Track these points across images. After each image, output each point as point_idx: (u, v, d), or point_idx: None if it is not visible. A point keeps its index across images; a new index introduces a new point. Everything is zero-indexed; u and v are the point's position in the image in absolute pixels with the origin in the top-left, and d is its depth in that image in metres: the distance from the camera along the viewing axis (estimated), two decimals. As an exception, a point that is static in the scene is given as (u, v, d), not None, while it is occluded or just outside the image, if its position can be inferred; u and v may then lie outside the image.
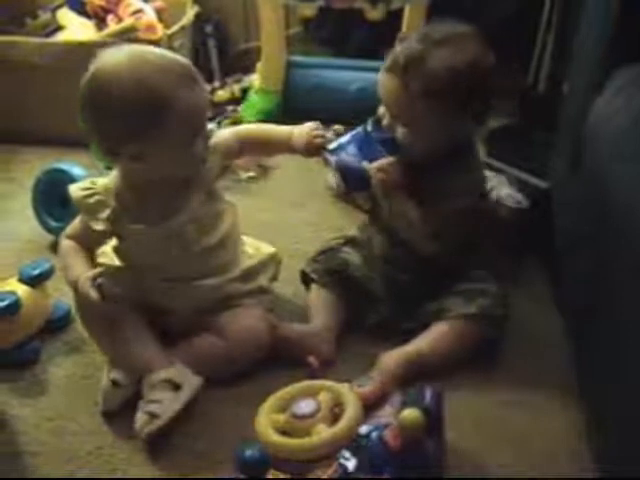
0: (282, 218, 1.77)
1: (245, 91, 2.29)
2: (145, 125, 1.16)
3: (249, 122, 1.95)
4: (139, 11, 2.14)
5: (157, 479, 1.14)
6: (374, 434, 1.04)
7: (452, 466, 1.12)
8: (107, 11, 2.19)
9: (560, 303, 1.45)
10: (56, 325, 1.42)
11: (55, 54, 2.01)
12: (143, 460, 1.16)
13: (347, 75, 2.17)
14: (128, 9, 2.15)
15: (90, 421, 1.23)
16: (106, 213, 1.25)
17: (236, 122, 2.02)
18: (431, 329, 1.31)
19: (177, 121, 1.17)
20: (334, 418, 1.15)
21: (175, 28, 2.16)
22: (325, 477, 1.03)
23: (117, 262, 1.34)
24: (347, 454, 1.03)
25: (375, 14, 2.10)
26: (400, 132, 1.29)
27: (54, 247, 1.64)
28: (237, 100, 2.26)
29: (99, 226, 1.26)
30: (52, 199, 1.67)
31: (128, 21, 2.09)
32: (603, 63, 1.31)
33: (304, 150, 1.33)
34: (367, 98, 1.33)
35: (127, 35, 2.00)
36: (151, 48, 1.25)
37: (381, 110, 1.32)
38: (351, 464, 1.02)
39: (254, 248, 1.44)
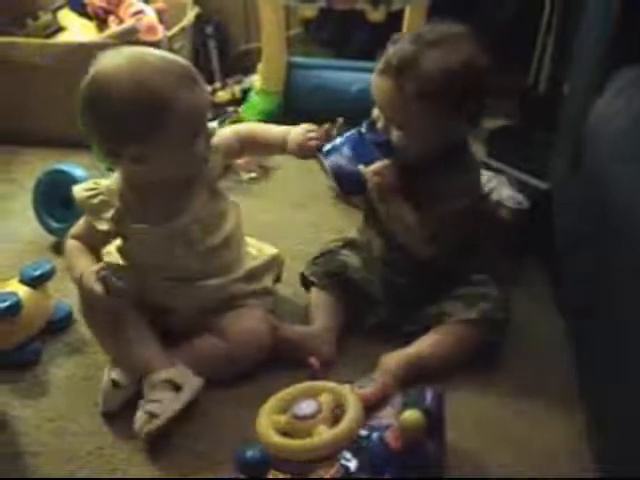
0: (283, 219, 1.77)
1: (246, 92, 2.30)
2: (145, 126, 1.17)
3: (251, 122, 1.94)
4: (140, 12, 2.14)
5: (157, 479, 1.14)
6: (375, 435, 1.04)
7: (453, 466, 1.12)
8: (108, 12, 2.19)
9: (560, 303, 1.45)
10: (57, 326, 1.42)
11: (56, 55, 2.01)
12: (143, 460, 1.16)
13: (348, 76, 2.17)
14: (129, 10, 2.15)
15: (91, 422, 1.23)
16: (110, 213, 1.26)
17: (237, 123, 2.02)
18: (432, 332, 1.31)
19: (177, 122, 1.18)
20: (335, 419, 1.14)
21: (176, 29, 2.17)
22: (327, 477, 1.03)
23: (121, 262, 1.34)
24: (348, 455, 1.03)
25: (376, 15, 2.10)
26: (395, 134, 1.28)
27: (55, 248, 1.65)
28: (238, 101, 2.26)
29: (103, 226, 1.26)
30: (53, 200, 1.67)
31: (129, 22, 2.09)
32: (603, 64, 1.31)
33: (298, 151, 1.33)
34: (368, 99, 1.32)
35: (128, 36, 2.01)
36: (151, 50, 1.25)
37: (375, 112, 1.31)
38: (352, 465, 1.02)
39: (257, 249, 1.44)
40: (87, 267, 1.25)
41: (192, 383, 1.22)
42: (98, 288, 1.21)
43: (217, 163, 1.32)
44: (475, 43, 1.26)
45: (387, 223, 1.35)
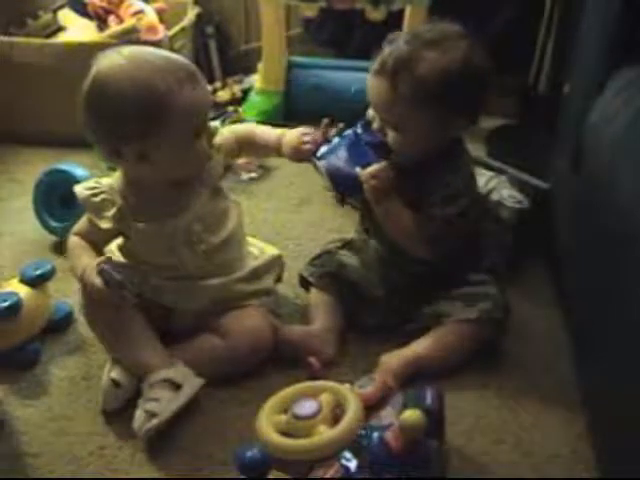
0: (283, 219, 1.78)
1: (246, 92, 2.30)
2: (146, 125, 1.17)
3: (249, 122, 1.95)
4: (140, 12, 2.14)
5: (158, 479, 1.14)
6: (375, 435, 1.04)
7: (453, 466, 1.12)
8: (108, 12, 2.19)
9: (560, 303, 1.45)
10: (57, 326, 1.42)
11: (56, 55, 2.01)
12: (145, 460, 1.16)
13: (348, 76, 2.17)
14: (129, 10, 2.15)
15: (91, 422, 1.23)
16: (112, 212, 1.26)
17: (237, 123, 2.02)
18: (432, 332, 1.31)
19: (178, 121, 1.18)
20: (335, 419, 1.14)
21: (176, 29, 2.17)
22: (327, 477, 1.03)
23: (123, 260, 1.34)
24: (348, 455, 1.03)
25: (376, 15, 2.10)
26: (390, 135, 1.28)
27: (55, 248, 1.65)
28: (238, 101, 2.27)
29: (105, 224, 1.27)
30: (53, 200, 1.68)
31: (129, 22, 2.09)
32: (604, 64, 1.30)
33: (292, 155, 1.32)
34: (367, 99, 1.31)
35: (128, 36, 2.01)
36: (152, 49, 1.26)
37: (370, 113, 1.31)
38: (352, 465, 1.02)
39: (258, 249, 1.44)
40: (89, 263, 1.25)
41: (192, 383, 1.21)
42: (98, 282, 1.21)
43: (219, 162, 1.32)
44: (471, 43, 1.25)
45: (383, 225, 1.33)
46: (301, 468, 1.08)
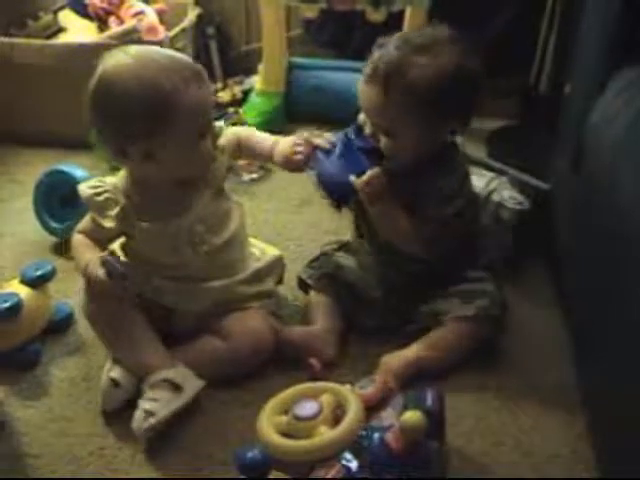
0: (284, 220, 1.78)
1: (246, 93, 2.30)
2: (152, 125, 1.17)
3: (250, 123, 1.94)
4: (140, 13, 2.14)
5: (159, 479, 1.14)
6: (376, 436, 1.04)
7: (453, 467, 1.12)
8: (109, 13, 2.19)
9: (560, 303, 1.45)
10: (58, 327, 1.42)
11: (57, 56, 2.01)
12: (145, 461, 1.16)
13: (348, 77, 2.16)
14: (129, 11, 2.16)
15: (91, 422, 1.23)
16: (115, 211, 1.26)
17: (238, 124, 2.02)
18: (431, 332, 1.31)
19: (184, 120, 1.18)
20: (336, 420, 1.14)
21: (177, 30, 2.17)
22: (328, 478, 1.02)
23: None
24: (349, 456, 1.03)
25: (377, 16, 2.10)
26: (383, 141, 1.27)
27: (56, 249, 1.65)
28: (238, 102, 2.27)
29: (108, 223, 1.27)
30: (54, 200, 1.68)
31: (130, 23, 2.09)
32: (604, 64, 1.30)
33: (283, 164, 1.31)
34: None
35: (129, 37, 2.01)
36: (157, 48, 1.27)
37: (362, 117, 1.30)
38: (353, 465, 1.02)
39: (259, 250, 1.44)
40: (92, 257, 1.25)
41: (192, 384, 1.22)
42: (101, 273, 1.21)
43: (223, 163, 1.32)
44: (463, 47, 1.25)
45: (380, 228, 1.33)
46: (301, 469, 1.08)
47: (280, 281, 1.46)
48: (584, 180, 1.29)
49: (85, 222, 1.32)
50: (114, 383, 1.23)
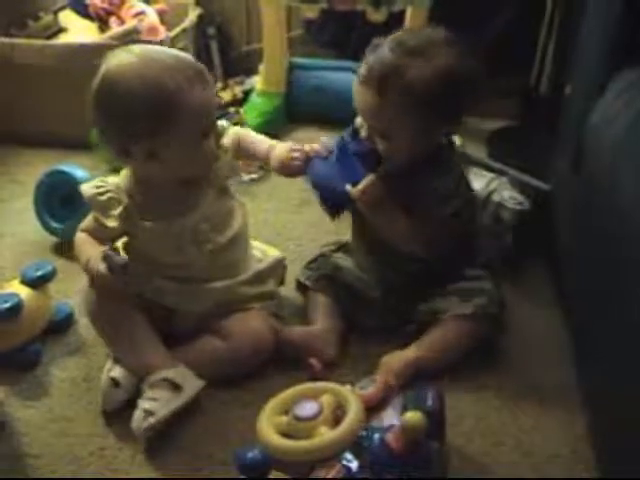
0: (284, 220, 1.78)
1: (247, 93, 2.30)
2: (155, 124, 1.18)
3: (251, 124, 1.95)
4: (141, 13, 2.15)
5: (159, 479, 1.14)
6: (376, 436, 1.04)
7: (454, 467, 1.12)
8: (109, 13, 2.19)
9: (560, 303, 1.45)
10: (58, 327, 1.42)
11: (57, 56, 2.01)
12: (145, 461, 1.16)
13: (349, 77, 2.14)
14: (130, 11, 2.16)
15: (92, 423, 1.23)
16: (118, 210, 1.26)
17: (238, 124, 2.02)
18: (431, 331, 1.31)
19: (187, 119, 1.18)
20: (336, 420, 1.14)
21: (177, 30, 2.17)
22: (328, 478, 1.02)
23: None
24: (349, 456, 1.03)
25: (377, 16, 2.10)
26: (379, 143, 1.27)
27: (56, 249, 1.65)
28: (239, 102, 2.27)
29: (111, 223, 1.26)
30: (54, 201, 1.68)
31: (130, 23, 2.09)
32: (605, 65, 1.30)
33: (279, 169, 1.31)
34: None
35: (130, 37, 2.01)
36: (161, 48, 1.27)
37: (358, 121, 1.31)
38: (353, 466, 1.02)
39: (261, 251, 1.44)
40: (94, 253, 1.24)
41: (192, 384, 1.22)
42: (102, 267, 1.21)
43: (226, 163, 1.32)
44: (459, 49, 1.24)
45: (379, 231, 1.32)
46: (301, 469, 1.08)
47: (282, 282, 1.46)
48: (584, 181, 1.29)
49: (88, 222, 1.32)
50: (114, 383, 1.24)
